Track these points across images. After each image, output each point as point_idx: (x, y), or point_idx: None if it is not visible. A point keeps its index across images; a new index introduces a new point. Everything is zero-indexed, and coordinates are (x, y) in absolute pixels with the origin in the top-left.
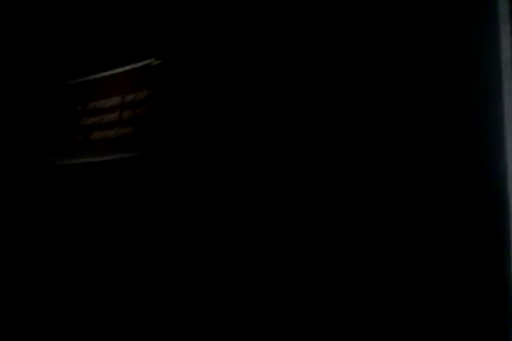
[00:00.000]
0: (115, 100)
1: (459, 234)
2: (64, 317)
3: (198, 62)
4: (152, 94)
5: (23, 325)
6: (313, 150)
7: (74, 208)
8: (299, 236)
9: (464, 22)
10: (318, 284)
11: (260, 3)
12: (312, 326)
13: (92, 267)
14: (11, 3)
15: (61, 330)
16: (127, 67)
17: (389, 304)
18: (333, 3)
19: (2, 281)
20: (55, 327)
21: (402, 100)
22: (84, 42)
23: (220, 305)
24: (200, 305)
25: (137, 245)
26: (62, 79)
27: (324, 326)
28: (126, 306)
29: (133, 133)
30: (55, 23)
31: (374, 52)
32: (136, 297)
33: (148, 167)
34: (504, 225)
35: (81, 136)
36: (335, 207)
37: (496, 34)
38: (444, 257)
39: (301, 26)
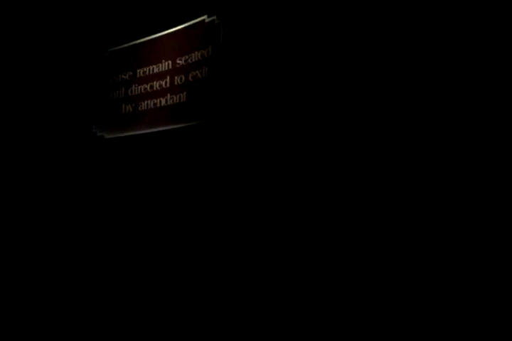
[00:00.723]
0: (165, 65)
1: None
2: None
3: (258, 16)
4: (207, 55)
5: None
6: None
7: (122, 182)
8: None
9: None
10: (318, 284)
11: None
12: (312, 326)
13: (139, 241)
14: None
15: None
16: (177, 28)
17: None
18: None
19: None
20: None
21: None
22: (128, 2)
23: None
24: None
25: (184, 220)
26: (107, 45)
27: (324, 325)
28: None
29: (187, 101)
30: None
31: None
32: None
33: (204, 138)
34: None
35: (130, 106)
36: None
37: None
38: None
39: None
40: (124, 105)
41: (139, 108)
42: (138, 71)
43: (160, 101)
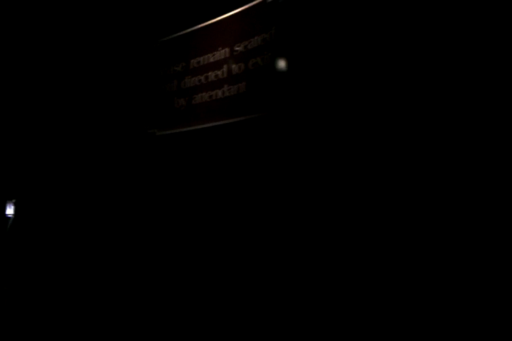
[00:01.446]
0: (222, 53)
1: None
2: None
3: None
4: (269, 39)
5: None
6: None
7: (175, 183)
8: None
9: None
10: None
11: None
12: (311, 325)
13: (190, 237)
14: None
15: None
16: (234, 11)
17: None
18: None
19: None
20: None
21: None
22: None
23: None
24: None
25: (239, 218)
26: (157, 35)
27: (323, 326)
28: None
29: (246, 92)
30: None
31: None
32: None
33: (266, 132)
34: None
35: (183, 99)
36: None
37: None
38: None
39: None
40: (176, 99)
41: (193, 101)
42: (191, 61)
43: (216, 93)
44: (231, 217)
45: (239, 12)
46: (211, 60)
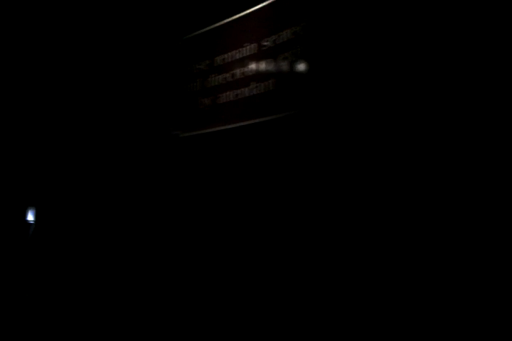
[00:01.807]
0: (249, 48)
1: None
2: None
3: None
4: (300, 33)
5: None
6: None
7: (199, 189)
8: None
9: None
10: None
11: None
12: (311, 325)
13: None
14: None
15: None
16: (262, 4)
17: None
18: None
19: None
20: None
21: None
22: None
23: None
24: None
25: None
26: (181, 33)
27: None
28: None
29: (275, 89)
30: None
31: None
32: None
33: (297, 132)
34: None
35: (207, 99)
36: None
37: None
38: None
39: None
40: (200, 99)
41: (218, 101)
42: (216, 59)
43: (242, 92)
44: (260, 221)
45: (267, 5)
46: (237, 56)
